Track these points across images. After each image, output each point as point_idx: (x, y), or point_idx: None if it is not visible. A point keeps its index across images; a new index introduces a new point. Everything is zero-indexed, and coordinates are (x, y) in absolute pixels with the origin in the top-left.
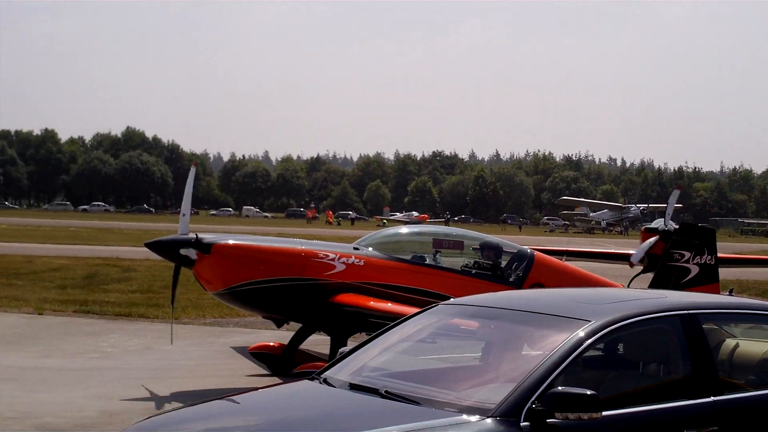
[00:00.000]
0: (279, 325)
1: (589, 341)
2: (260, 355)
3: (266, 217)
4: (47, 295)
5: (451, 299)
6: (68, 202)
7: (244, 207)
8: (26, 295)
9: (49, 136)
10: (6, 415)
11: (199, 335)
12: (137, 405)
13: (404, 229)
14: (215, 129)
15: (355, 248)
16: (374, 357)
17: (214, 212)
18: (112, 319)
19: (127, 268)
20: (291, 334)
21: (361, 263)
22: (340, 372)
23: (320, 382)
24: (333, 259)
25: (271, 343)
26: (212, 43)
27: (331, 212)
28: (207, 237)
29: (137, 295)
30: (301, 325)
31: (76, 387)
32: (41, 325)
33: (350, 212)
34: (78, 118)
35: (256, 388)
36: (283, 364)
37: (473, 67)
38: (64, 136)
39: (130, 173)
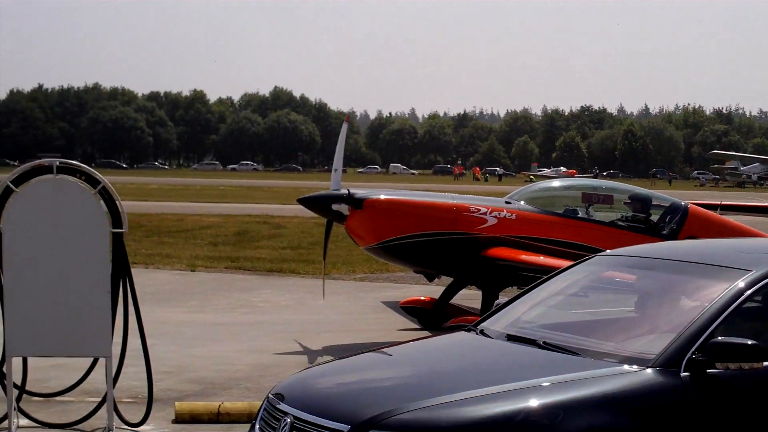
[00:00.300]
0: (430, 279)
1: (750, 291)
2: (411, 309)
3: (413, 174)
4: (199, 252)
5: (607, 251)
6: (217, 162)
7: (391, 164)
8: (178, 253)
9: (198, 96)
10: (162, 370)
11: (350, 290)
12: (290, 359)
13: (556, 183)
14: (362, 87)
15: (506, 202)
16: (528, 310)
17: (361, 170)
18: (263, 275)
19: (278, 225)
20: (442, 288)
21: (513, 217)
22: (496, 324)
23: (477, 334)
24: (485, 213)
25: (423, 298)
26: (356, 3)
27: (478, 168)
28: (359, 192)
29: (288, 252)
30: (452, 279)
31: (229, 341)
32: (194, 281)
33: (498, 168)
34: (226, 79)
35: (409, 341)
36: (435, 318)
37: (620, 19)
38: (212, 97)
39: (278, 132)
